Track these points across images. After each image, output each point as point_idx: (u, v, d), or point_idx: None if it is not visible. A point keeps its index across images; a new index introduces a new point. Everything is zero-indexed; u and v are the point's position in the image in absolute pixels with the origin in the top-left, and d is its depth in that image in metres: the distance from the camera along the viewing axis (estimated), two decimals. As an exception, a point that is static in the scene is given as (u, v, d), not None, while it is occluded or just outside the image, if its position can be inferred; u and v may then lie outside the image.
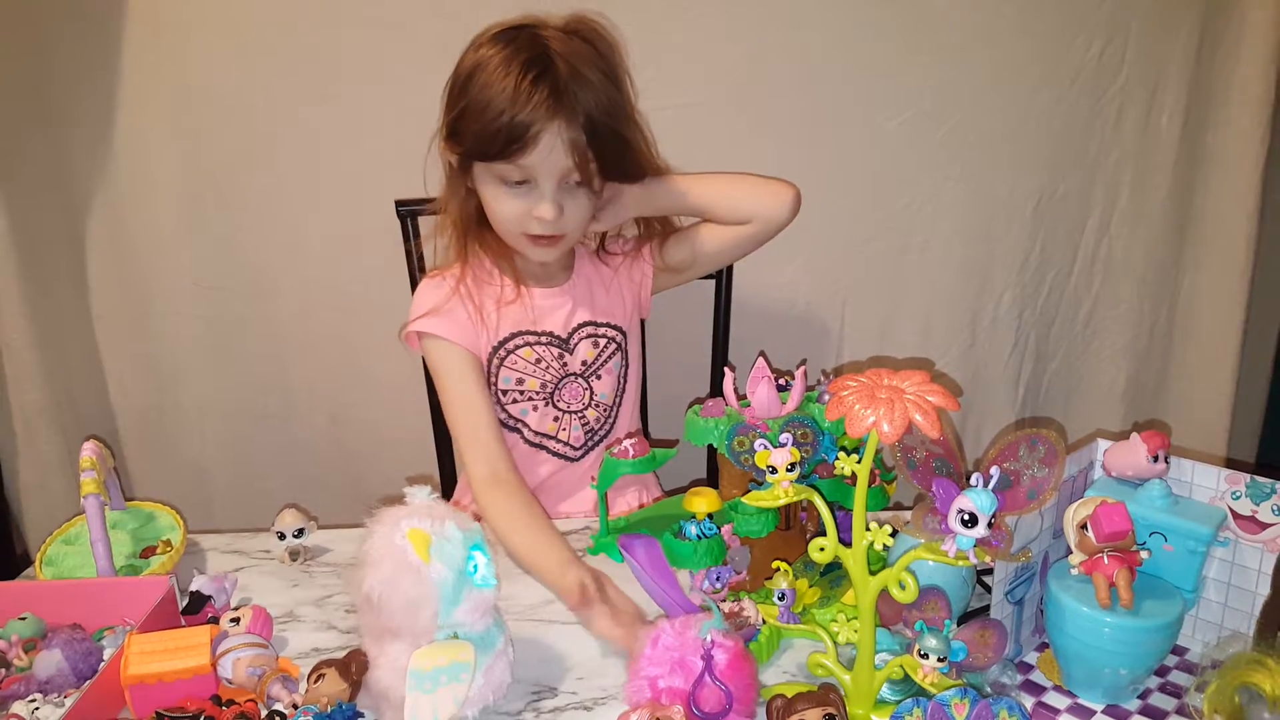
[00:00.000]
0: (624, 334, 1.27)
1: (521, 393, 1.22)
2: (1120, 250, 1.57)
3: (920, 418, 0.69)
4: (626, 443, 1.04)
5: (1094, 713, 0.77)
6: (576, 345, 1.23)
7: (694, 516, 0.97)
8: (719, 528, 0.96)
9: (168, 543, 1.08)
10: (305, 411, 1.66)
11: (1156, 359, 1.63)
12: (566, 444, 1.26)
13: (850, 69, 1.44)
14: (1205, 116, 1.50)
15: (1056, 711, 0.77)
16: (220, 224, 1.54)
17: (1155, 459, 0.85)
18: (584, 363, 1.24)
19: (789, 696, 0.75)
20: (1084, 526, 0.79)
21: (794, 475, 0.79)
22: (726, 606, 0.88)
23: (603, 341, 1.25)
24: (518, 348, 1.20)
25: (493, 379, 1.21)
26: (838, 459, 0.76)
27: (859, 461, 0.74)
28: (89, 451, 1.01)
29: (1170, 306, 1.60)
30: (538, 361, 1.21)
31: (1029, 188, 1.52)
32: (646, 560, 0.88)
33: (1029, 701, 0.79)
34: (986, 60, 1.44)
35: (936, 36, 1.43)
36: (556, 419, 1.25)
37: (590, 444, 1.28)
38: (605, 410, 1.27)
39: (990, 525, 0.69)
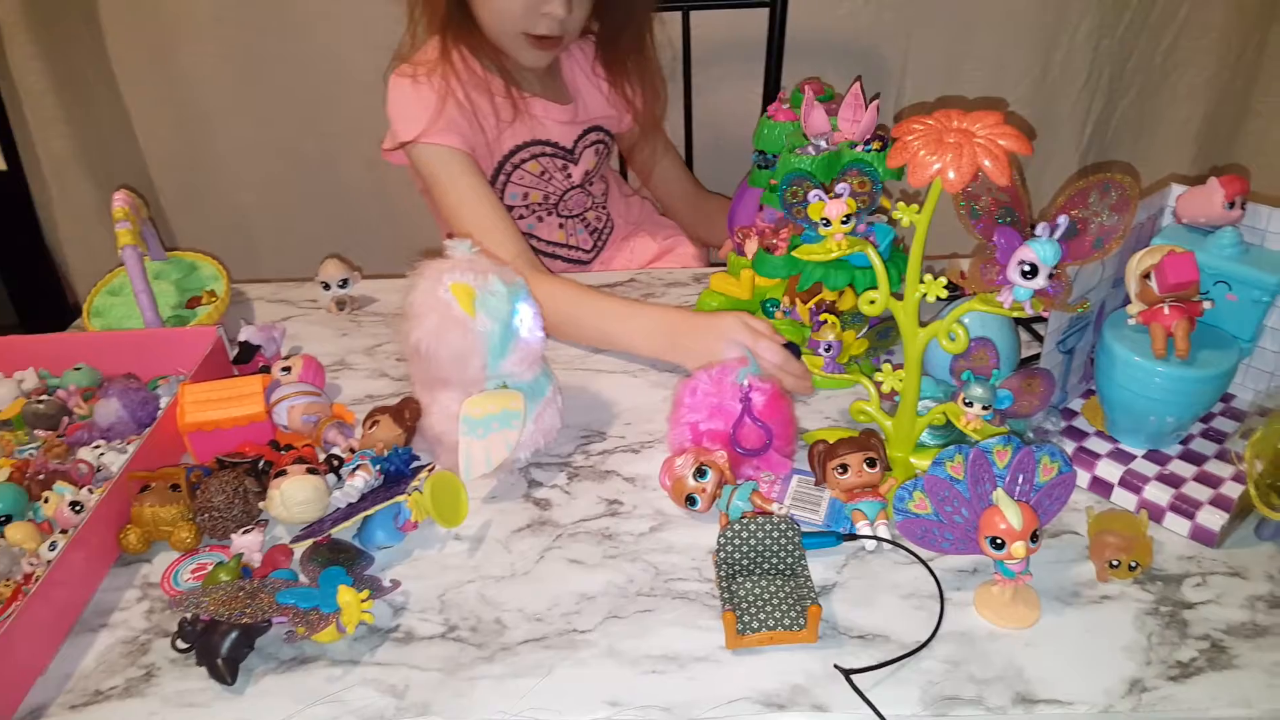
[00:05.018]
0: (610, 136, 1.22)
1: (528, 208, 1.18)
2: (1216, -32, 1.40)
3: (990, 163, 0.64)
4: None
5: (1134, 457, 0.78)
6: (581, 154, 1.17)
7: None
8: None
9: (212, 293, 1.08)
10: (344, 154, 1.61)
11: (1237, 95, 1.50)
12: (577, 249, 1.24)
13: None
14: None
15: (1097, 456, 0.78)
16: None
17: (1231, 205, 0.80)
18: (586, 172, 1.19)
19: (830, 441, 0.77)
20: (1147, 276, 0.76)
21: (849, 228, 0.75)
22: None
23: (601, 147, 1.20)
24: (523, 161, 1.14)
25: (497, 195, 1.14)
26: (897, 208, 0.72)
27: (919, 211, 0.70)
28: (120, 202, 0.99)
29: (1263, 33, 1.45)
30: (543, 174, 1.15)
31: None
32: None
33: (1070, 446, 0.80)
34: None
35: None
36: (561, 225, 1.21)
37: (599, 245, 1.26)
38: (601, 208, 1.24)
39: (1051, 276, 0.66)
